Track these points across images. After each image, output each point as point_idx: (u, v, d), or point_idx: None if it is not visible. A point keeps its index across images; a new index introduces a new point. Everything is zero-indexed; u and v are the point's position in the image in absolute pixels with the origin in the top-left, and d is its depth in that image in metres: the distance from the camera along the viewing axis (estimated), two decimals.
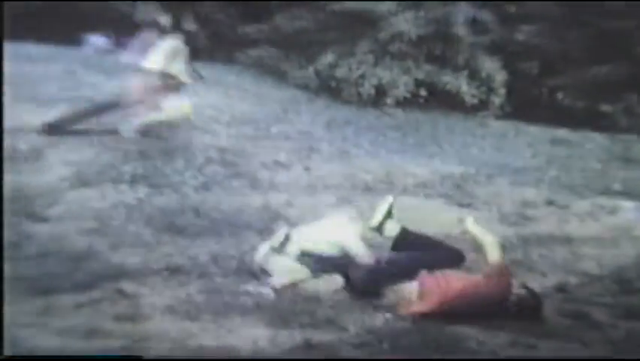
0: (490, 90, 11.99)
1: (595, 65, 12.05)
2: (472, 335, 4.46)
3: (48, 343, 4.04)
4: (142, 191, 6.60)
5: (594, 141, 10.68)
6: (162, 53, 7.75)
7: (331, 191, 7.04)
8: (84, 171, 7.00)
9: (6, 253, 5.13)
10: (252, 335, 4.32)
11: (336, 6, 12.20)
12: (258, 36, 13.13)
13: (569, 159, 9.41)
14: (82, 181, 6.78)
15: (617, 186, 7.78)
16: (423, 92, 11.80)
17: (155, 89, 7.74)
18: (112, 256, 5.24)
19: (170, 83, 7.78)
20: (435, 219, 6.36)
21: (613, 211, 6.91)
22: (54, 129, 7.61)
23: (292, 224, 6.03)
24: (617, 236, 6.30)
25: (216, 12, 13.70)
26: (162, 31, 7.97)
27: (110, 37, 12.54)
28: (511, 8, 12.86)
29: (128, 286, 4.78)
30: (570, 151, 9.98)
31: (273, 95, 11.45)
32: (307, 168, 7.66)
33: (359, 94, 11.67)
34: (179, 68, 7.86)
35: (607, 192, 7.62)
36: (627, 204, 7.09)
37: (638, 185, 7.90)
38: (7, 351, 3.95)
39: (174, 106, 7.86)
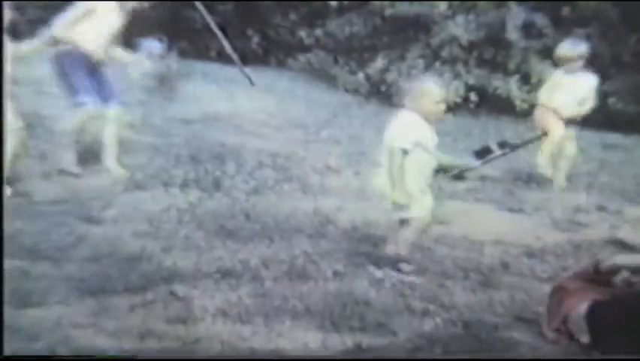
0: None
1: None
2: (523, 340, 4.42)
3: (102, 344, 4.08)
4: (193, 195, 6.67)
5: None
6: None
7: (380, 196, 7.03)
8: (137, 175, 7.11)
9: (62, 255, 5.25)
10: (303, 338, 4.33)
11: (389, 11, 12.19)
12: (311, 41, 13.18)
13: (621, 164, 9.29)
14: (135, 184, 6.89)
15: None
16: (473, 97, 11.74)
17: None
18: (164, 259, 5.29)
19: None
20: (486, 224, 6.34)
21: None
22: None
23: (342, 229, 6.08)
24: None
25: (275, 16, 13.79)
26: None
27: (163, 41, 12.65)
28: (565, 11, 12.72)
29: (180, 288, 4.82)
30: (622, 156, 9.85)
31: (324, 99, 11.50)
32: (357, 173, 7.67)
33: None
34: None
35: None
36: None
37: None
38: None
39: None
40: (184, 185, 6.92)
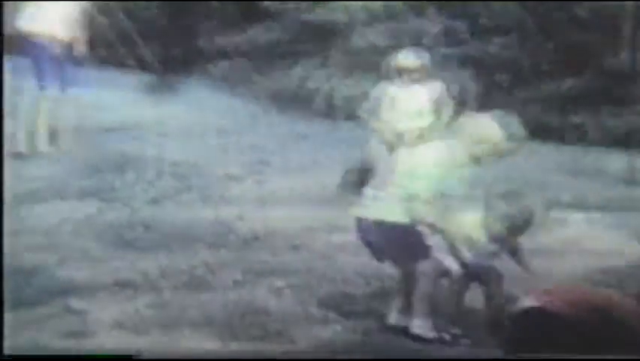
0: (461, 103, 12.16)
1: (565, 77, 12.30)
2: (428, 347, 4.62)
3: None
4: (91, 206, 6.74)
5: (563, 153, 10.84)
6: None
7: (284, 204, 7.19)
8: (34, 187, 7.11)
9: None
10: (202, 347, 4.46)
11: (309, 17, 12.34)
12: (230, 48, 13.22)
13: (539, 172, 9.52)
14: (31, 196, 6.89)
15: (567, 198, 7.94)
16: None
17: None
18: (59, 272, 5.36)
19: None
20: None
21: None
22: None
23: (243, 238, 6.22)
24: (565, 248, 6.48)
25: (191, 23, 13.80)
26: None
27: None
28: (484, 20, 13.06)
29: (75, 302, 4.90)
30: (540, 164, 10.08)
31: (240, 107, 11.54)
32: (259, 181, 7.80)
33: (329, 107, 11.79)
34: None
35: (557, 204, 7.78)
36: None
37: (587, 196, 8.06)
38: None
39: None
40: (82, 196, 6.96)
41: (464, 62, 12.49)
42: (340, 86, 11.81)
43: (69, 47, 8.20)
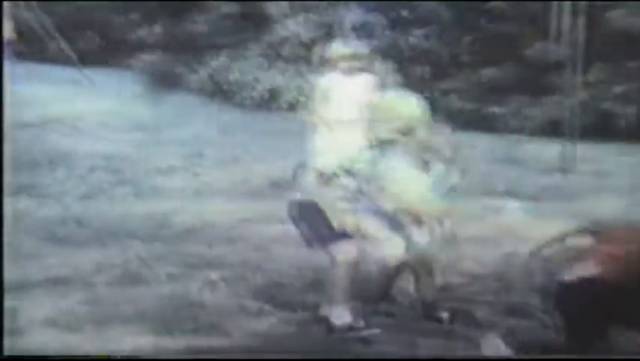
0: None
1: (484, 67, 12.40)
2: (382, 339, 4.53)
3: None
4: (22, 202, 6.53)
5: (482, 142, 10.95)
6: None
7: (218, 196, 7.09)
8: None
9: None
10: (135, 342, 4.33)
11: (227, 8, 12.23)
12: (151, 40, 13.06)
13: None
14: None
15: (501, 187, 8.00)
16: None
17: None
18: None
19: None
20: None
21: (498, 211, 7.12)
22: None
23: (177, 231, 6.08)
24: (501, 236, 6.49)
25: (112, 16, 13.59)
26: None
27: None
28: (404, 12, 13.11)
29: (6, 299, 4.71)
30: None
31: (167, 99, 11.41)
32: (196, 174, 7.69)
33: (252, 98, 11.72)
34: None
35: (492, 192, 7.83)
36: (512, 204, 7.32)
37: (522, 185, 8.14)
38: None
39: None
40: (13, 193, 6.74)
41: (383, 54, 12.53)
42: (263, 78, 11.75)
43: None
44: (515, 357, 4.26)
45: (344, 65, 6.74)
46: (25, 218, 6.20)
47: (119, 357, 4.15)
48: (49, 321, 4.51)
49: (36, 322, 4.48)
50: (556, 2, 11.27)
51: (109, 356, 4.14)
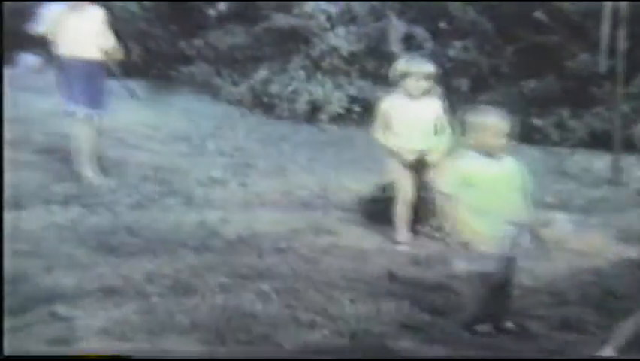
0: None
1: (524, 79, 12.26)
2: (412, 348, 4.48)
3: None
4: (74, 211, 6.53)
5: (527, 155, 10.82)
6: None
7: (267, 207, 7.05)
8: (16, 193, 6.90)
9: None
10: (188, 353, 4.29)
11: (270, 22, 12.21)
12: (192, 52, 13.06)
13: None
14: (14, 202, 6.68)
15: (550, 199, 7.88)
16: (357, 108, 11.87)
17: None
18: (45, 279, 5.16)
19: None
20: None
21: (546, 224, 7.00)
22: None
23: (227, 241, 6.04)
24: (550, 248, 6.38)
25: (155, 28, 13.61)
26: None
27: (41, 55, 12.34)
28: (443, 24, 13.02)
29: (61, 308, 4.70)
30: None
31: (207, 111, 11.42)
32: (242, 184, 7.65)
33: (292, 110, 11.69)
34: None
35: (541, 204, 7.71)
36: (561, 217, 7.20)
37: (571, 197, 8.01)
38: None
39: None
40: (65, 202, 6.76)
41: None
42: (303, 90, 11.71)
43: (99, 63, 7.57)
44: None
45: (411, 84, 6.26)
46: (77, 227, 6.18)
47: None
48: (103, 330, 4.48)
49: (91, 331, 4.46)
50: (598, 13, 11.10)
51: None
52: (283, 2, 12.21)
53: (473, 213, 4.59)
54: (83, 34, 7.38)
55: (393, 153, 6.31)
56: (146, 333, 4.48)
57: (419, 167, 6.28)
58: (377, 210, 6.69)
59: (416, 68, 6.28)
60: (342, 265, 5.70)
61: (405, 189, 6.29)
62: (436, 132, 6.30)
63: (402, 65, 6.36)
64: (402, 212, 6.33)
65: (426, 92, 6.28)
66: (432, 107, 6.30)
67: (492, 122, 4.77)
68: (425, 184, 6.24)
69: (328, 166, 8.84)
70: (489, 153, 4.74)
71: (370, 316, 4.87)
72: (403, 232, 6.34)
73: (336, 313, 4.87)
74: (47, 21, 7.36)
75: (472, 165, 4.71)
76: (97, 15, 7.57)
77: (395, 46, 12.03)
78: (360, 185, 7.96)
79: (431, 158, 6.21)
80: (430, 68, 6.33)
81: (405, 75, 6.25)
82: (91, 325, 4.52)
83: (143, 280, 5.19)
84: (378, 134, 6.42)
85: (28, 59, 12.21)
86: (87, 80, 7.39)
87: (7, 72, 11.24)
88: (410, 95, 6.26)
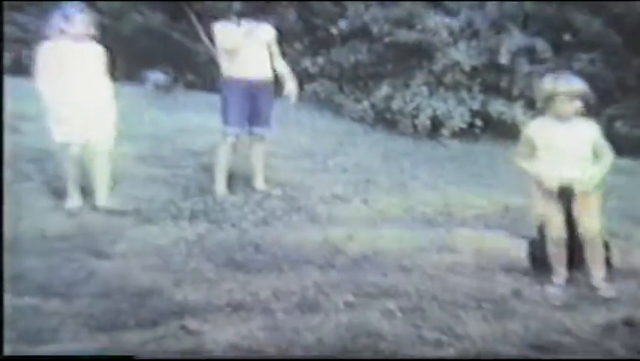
0: None
1: None
2: None
3: None
4: (202, 226, 6.64)
5: None
6: None
7: (390, 223, 6.99)
8: (146, 208, 7.08)
9: (72, 291, 5.20)
10: None
11: (392, 38, 12.18)
12: (315, 70, 13.15)
13: (630, 188, 9.19)
14: (144, 218, 6.85)
15: None
16: (478, 123, 11.71)
17: None
18: (175, 293, 5.25)
19: None
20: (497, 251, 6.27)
21: None
22: None
23: (351, 259, 6.02)
24: None
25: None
26: None
27: (169, 73, 12.68)
28: (567, 37, 12.71)
29: (191, 322, 4.77)
30: (630, 180, 9.75)
31: (330, 128, 11.47)
32: (365, 201, 7.62)
33: (415, 126, 11.62)
34: None
35: None
36: None
37: None
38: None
39: None
40: (193, 217, 6.89)
41: None
42: (425, 106, 11.62)
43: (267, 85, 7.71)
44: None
45: (560, 105, 5.51)
46: (205, 242, 6.28)
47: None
48: (232, 346, 4.51)
49: (220, 346, 4.50)
50: None
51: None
52: (404, 18, 12.15)
53: None
54: (253, 53, 7.55)
55: (536, 182, 5.66)
56: (273, 349, 4.49)
57: (569, 198, 5.61)
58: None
59: (565, 87, 5.51)
60: (468, 283, 5.58)
61: (555, 225, 5.64)
62: (590, 159, 5.56)
63: (548, 84, 5.57)
64: (554, 252, 5.71)
65: (578, 114, 5.56)
66: (585, 131, 5.57)
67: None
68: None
69: (450, 182, 8.71)
70: None
71: (497, 336, 4.75)
72: (559, 274, 5.74)
73: (462, 333, 4.76)
74: (224, 40, 7.51)
75: None
76: (269, 33, 7.74)
77: (512, 59, 11.82)
78: (483, 201, 7.82)
79: (578, 188, 5.52)
80: (580, 85, 5.55)
81: (552, 96, 5.51)
82: (219, 339, 4.56)
83: (269, 297, 5.21)
84: (519, 160, 5.73)
85: (156, 77, 12.56)
86: (251, 100, 7.58)
87: (135, 90, 11.68)
88: (559, 118, 5.54)
